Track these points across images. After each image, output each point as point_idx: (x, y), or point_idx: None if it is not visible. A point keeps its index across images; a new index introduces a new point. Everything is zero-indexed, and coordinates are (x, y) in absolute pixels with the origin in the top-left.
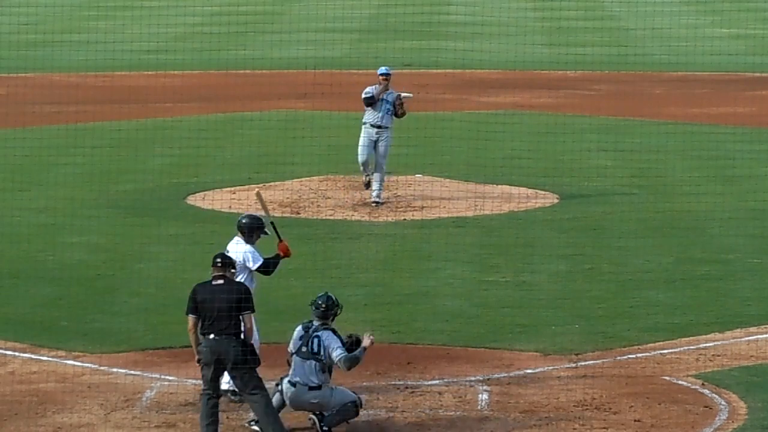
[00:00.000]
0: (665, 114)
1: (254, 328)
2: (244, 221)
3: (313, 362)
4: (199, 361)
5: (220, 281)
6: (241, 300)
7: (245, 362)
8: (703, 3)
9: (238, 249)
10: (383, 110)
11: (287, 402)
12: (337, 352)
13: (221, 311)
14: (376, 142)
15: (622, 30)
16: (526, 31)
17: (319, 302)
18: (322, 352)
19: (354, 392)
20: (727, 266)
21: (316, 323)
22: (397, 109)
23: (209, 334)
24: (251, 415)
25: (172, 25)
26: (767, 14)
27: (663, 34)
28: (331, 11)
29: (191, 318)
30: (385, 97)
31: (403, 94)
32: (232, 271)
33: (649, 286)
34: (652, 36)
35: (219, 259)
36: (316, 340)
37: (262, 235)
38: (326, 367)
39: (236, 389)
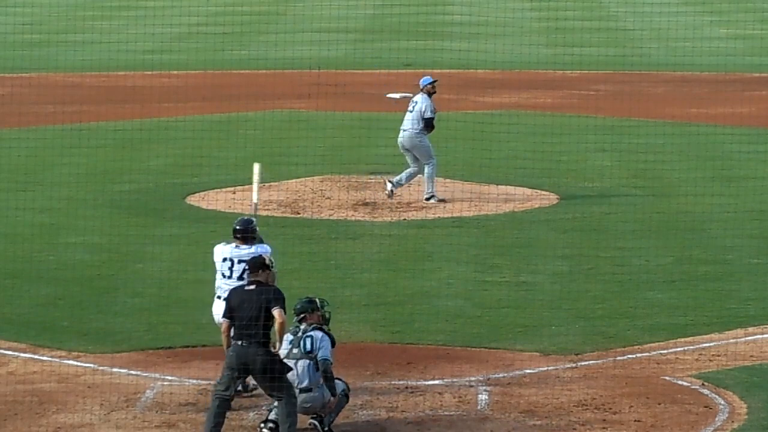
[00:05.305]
0: (665, 114)
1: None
2: (239, 227)
3: (307, 362)
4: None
5: (252, 286)
6: (270, 301)
7: (272, 371)
8: (703, 3)
9: (251, 251)
10: None
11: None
12: (321, 352)
13: (250, 318)
14: None
15: (622, 30)
16: (526, 31)
17: (304, 305)
18: (314, 350)
19: (338, 379)
20: (727, 266)
21: (303, 326)
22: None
23: (238, 340)
24: (251, 415)
25: (173, 25)
26: (767, 14)
27: (663, 34)
28: (332, 11)
29: (225, 321)
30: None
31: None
32: (268, 271)
33: (649, 286)
34: (652, 36)
35: (248, 265)
36: (308, 340)
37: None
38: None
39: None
